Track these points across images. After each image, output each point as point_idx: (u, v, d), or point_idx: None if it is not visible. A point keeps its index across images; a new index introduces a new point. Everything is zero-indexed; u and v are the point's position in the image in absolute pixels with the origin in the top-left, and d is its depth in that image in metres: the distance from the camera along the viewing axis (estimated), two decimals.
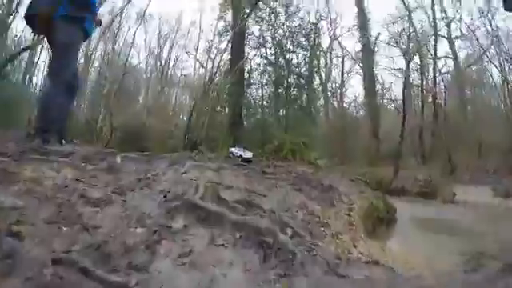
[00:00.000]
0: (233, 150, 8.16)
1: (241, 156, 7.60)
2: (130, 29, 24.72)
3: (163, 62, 30.76)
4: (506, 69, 21.42)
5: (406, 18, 22.50)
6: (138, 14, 25.16)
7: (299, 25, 19.04)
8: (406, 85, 18.48)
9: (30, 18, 5.07)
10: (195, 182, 4.15)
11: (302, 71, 18.79)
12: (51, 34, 5.09)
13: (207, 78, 17.67)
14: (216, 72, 16.40)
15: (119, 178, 4.08)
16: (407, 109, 23.71)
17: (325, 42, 24.88)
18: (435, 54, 21.67)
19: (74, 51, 5.42)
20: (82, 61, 23.99)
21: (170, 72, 30.72)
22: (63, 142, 5.53)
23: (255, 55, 18.97)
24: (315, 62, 21.30)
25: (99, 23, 6.17)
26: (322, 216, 4.65)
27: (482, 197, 12.11)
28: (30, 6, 5.03)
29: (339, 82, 26.12)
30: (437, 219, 8.82)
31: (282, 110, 18.47)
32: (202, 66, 19.32)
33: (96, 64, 26.35)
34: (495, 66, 21.96)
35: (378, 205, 6.91)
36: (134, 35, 24.08)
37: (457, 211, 10.23)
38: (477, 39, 22.22)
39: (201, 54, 20.88)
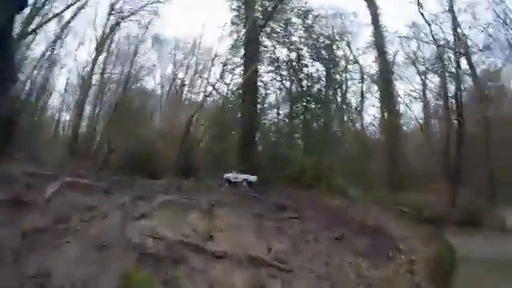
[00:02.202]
0: (230, 175, 5.93)
1: (245, 180, 5.39)
2: (146, 53, 23.00)
3: (177, 87, 28.97)
4: None
5: (423, 35, 20.18)
6: (153, 37, 23.49)
7: (317, 38, 17.09)
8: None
9: None
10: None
11: (322, 87, 16.83)
12: None
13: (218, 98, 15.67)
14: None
15: None
16: (431, 132, 21.45)
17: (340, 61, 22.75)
18: (457, 70, 19.10)
19: None
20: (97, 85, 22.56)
21: (184, 96, 28.85)
22: None
23: (269, 71, 17.04)
24: (334, 77, 19.19)
25: None
26: None
27: None
28: None
29: (355, 103, 23.68)
30: (505, 259, 6.51)
31: (298, 132, 16.40)
32: (216, 89, 17.34)
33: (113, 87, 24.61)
34: None
35: (443, 253, 4.69)
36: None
37: None
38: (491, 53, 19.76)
39: (214, 76, 19.01)
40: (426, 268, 3.88)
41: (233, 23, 17.00)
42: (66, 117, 23.39)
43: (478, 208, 11.28)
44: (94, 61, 19.97)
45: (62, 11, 16.25)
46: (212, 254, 2.15)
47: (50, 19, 15.29)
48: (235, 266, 2.10)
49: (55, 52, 18.24)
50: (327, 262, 2.69)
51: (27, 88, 16.64)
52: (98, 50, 19.36)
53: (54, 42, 17.72)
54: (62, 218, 2.36)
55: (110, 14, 19.38)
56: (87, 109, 22.59)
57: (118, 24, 19.71)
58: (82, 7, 17.35)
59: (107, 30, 19.64)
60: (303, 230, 3.41)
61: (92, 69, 20.37)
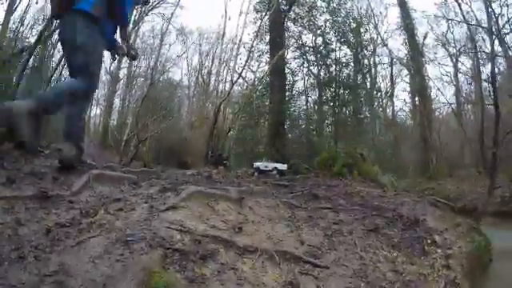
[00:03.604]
0: (260, 164, 5.81)
1: (276, 168, 5.27)
2: (171, 45, 23.35)
3: (205, 77, 29.14)
4: None
5: (454, 14, 19.31)
6: (177, 29, 23.74)
7: (343, 21, 16.79)
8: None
9: None
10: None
11: (350, 72, 16.60)
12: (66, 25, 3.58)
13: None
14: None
15: None
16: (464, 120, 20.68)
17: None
18: (492, 51, 18.22)
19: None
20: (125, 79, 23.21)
21: (211, 86, 29.07)
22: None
23: (296, 57, 16.90)
24: (362, 61, 18.77)
25: (121, 50, 4.23)
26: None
27: None
28: None
29: (385, 88, 22.99)
30: None
31: (328, 119, 16.22)
32: (243, 77, 17.32)
33: (140, 80, 25.09)
34: None
35: (480, 247, 4.44)
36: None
37: None
38: None
39: (241, 65, 19.09)
40: (463, 263, 3.66)
41: (256, 10, 16.85)
42: (97, 111, 24.17)
43: None
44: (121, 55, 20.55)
45: None
46: (242, 249, 2.06)
47: None
48: (266, 262, 2.01)
49: None
50: (362, 257, 2.55)
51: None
52: None
53: None
54: (87, 212, 2.34)
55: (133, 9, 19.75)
56: (116, 102, 23.26)
57: (141, 18, 20.03)
58: None
59: (131, 25, 20.05)
60: (336, 220, 3.28)
61: (119, 63, 20.87)
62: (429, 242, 3.63)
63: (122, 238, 1.88)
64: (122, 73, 23.64)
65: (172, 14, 21.66)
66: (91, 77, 3.61)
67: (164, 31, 24.33)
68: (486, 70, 18.83)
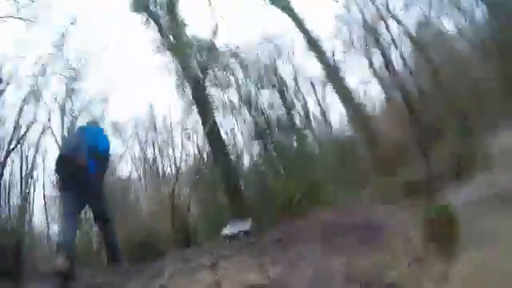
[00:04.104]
0: (226, 231, 6.35)
1: (240, 231, 5.81)
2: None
3: (150, 164, 29.10)
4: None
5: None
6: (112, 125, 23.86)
7: (258, 67, 17.93)
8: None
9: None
10: None
11: (279, 114, 17.48)
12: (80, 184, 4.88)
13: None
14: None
15: None
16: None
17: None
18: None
19: None
20: None
21: (160, 171, 28.99)
22: None
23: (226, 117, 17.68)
24: (289, 97, 19.78)
25: None
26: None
27: None
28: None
29: (317, 110, 24.10)
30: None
31: (274, 162, 16.86)
32: (185, 154, 17.79)
33: None
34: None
35: (439, 214, 4.97)
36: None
37: None
38: None
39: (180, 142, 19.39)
40: (425, 235, 4.12)
41: (177, 87, 17.51)
42: (55, 227, 23.27)
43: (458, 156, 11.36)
44: None
45: (25, 133, 16.56)
46: None
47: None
48: None
49: (28, 169, 18.40)
50: (318, 266, 3.12)
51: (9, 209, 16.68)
52: None
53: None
54: None
55: (62, 117, 19.66)
56: None
57: (72, 124, 19.91)
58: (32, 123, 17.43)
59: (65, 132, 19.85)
60: (298, 251, 3.81)
61: None
62: (387, 233, 4.18)
63: None
64: None
65: (103, 112, 21.85)
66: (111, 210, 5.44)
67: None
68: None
